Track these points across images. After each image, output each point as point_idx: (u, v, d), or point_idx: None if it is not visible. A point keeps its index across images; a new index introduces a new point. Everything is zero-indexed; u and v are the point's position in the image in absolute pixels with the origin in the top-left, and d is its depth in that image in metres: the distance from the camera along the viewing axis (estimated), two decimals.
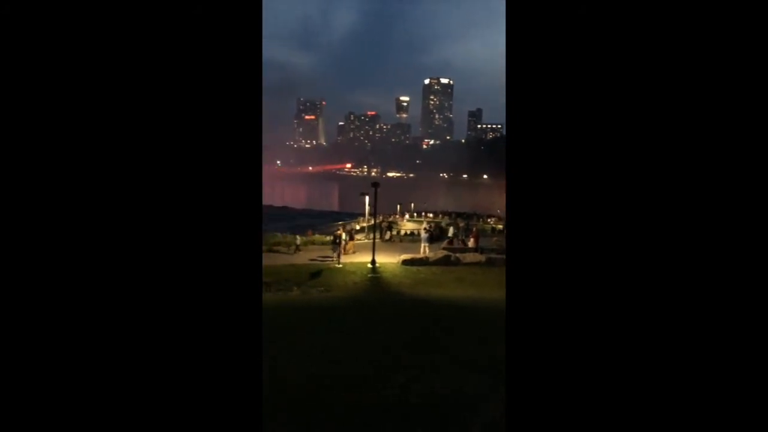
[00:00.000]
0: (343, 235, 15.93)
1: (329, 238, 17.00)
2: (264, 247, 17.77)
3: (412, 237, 21.87)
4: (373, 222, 17.77)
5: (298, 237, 18.60)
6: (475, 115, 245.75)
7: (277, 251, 17.07)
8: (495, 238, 20.95)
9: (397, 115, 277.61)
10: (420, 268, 14.21)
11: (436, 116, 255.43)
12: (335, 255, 14.80)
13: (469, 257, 15.18)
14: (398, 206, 39.73)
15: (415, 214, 42.23)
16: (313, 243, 18.28)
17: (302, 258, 15.73)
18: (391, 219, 30.46)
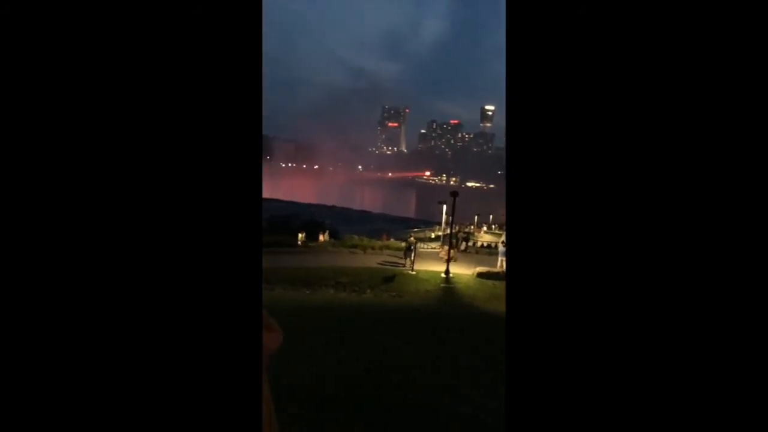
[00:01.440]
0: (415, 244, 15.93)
1: (403, 244, 17.08)
2: (343, 248, 18.30)
3: (489, 249, 21.30)
4: (449, 231, 17.57)
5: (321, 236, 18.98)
6: None
7: (354, 253, 17.47)
8: None
9: (481, 124, 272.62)
10: (495, 282, 13.78)
11: None
12: (407, 261, 14.83)
13: None
14: (476, 217, 38.89)
15: (493, 227, 41.13)
16: (388, 248, 18.47)
17: (370, 261, 15.94)
18: (467, 229, 29.93)
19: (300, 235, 19.62)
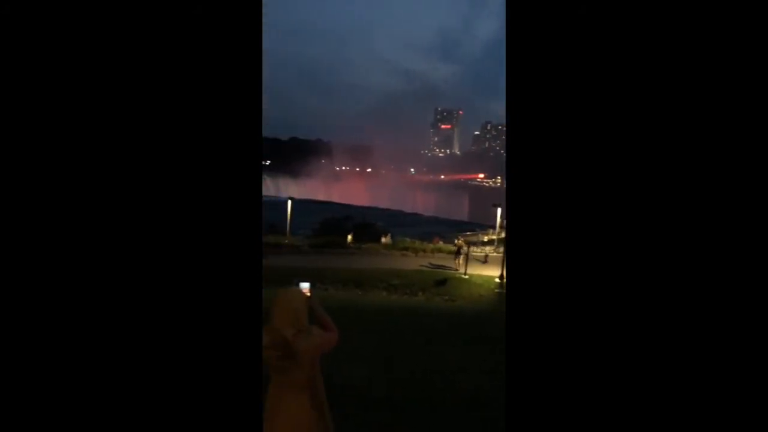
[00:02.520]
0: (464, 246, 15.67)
1: (454, 247, 16.87)
2: (395, 251, 18.35)
3: None
4: (504, 235, 17.15)
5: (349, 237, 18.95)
6: None
7: (406, 255, 17.45)
8: None
9: None
10: None
11: None
12: (456, 263, 14.63)
13: None
14: None
15: None
16: (440, 251, 18.31)
17: (422, 263, 15.83)
18: None
19: (348, 237, 19.87)
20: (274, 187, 72.61)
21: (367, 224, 24.11)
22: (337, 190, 68.05)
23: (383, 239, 20.06)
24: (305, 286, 1.82)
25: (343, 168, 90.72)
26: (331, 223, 24.45)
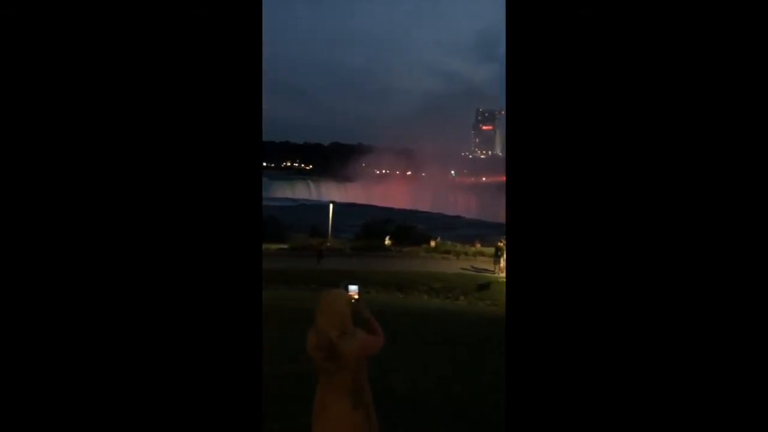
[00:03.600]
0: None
1: (496, 250, 16.55)
2: (435, 254, 18.24)
3: None
4: None
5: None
6: None
7: (446, 258, 17.29)
8: None
9: None
10: None
11: None
12: (496, 267, 14.35)
13: None
14: None
15: None
16: (482, 254, 18.03)
17: (463, 266, 15.62)
18: None
19: (386, 240, 19.91)
20: (316, 190, 73.79)
21: (408, 227, 24.08)
22: (378, 194, 68.40)
23: (432, 242, 19.93)
24: (354, 288, 1.84)
25: (384, 171, 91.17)
26: (372, 226, 24.59)
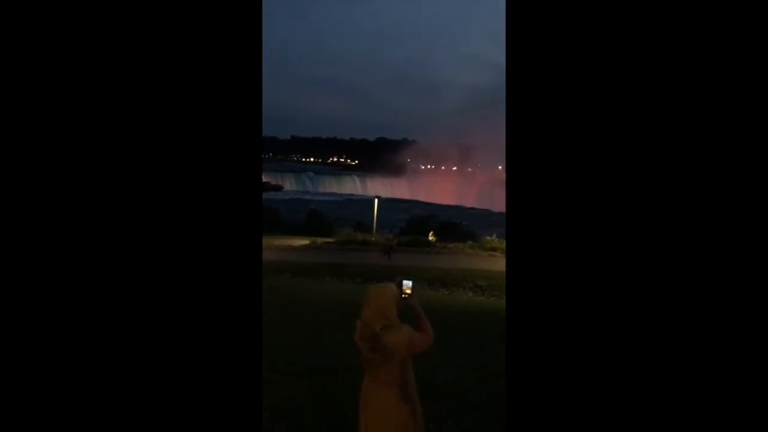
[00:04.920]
0: None
1: None
2: (481, 251, 17.98)
3: None
4: None
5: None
6: None
7: (493, 256, 17.00)
8: None
9: None
10: None
11: None
12: None
13: None
14: None
15: None
16: None
17: (500, 264, 15.26)
18: None
19: (431, 236, 19.79)
20: (361, 186, 74.43)
21: (453, 223, 23.87)
22: (423, 189, 68.15)
23: (492, 240, 19.59)
24: (408, 284, 1.84)
25: (430, 166, 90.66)
26: (417, 222, 24.56)
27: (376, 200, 22.91)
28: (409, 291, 1.82)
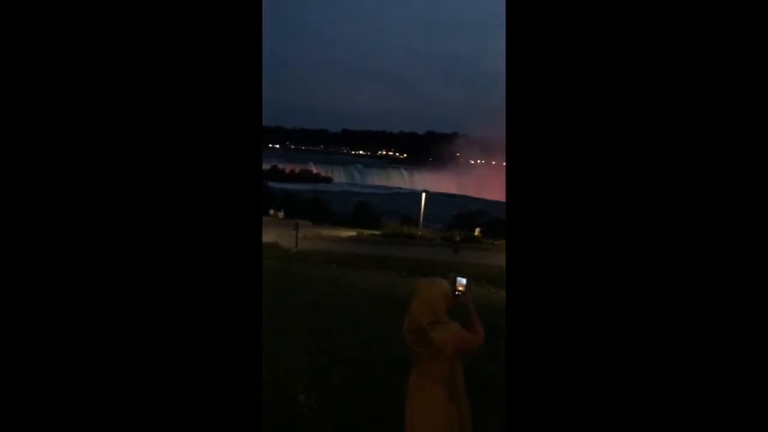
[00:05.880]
0: None
1: None
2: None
3: None
4: None
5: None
6: None
7: None
8: None
9: None
10: None
11: None
12: None
13: None
14: None
15: None
16: None
17: None
18: None
19: (476, 231, 19.49)
20: (409, 179, 74.41)
21: (501, 220, 23.35)
22: (472, 184, 67.14)
23: None
24: (462, 281, 1.79)
25: (479, 161, 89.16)
26: (464, 217, 24.26)
27: (423, 194, 22.80)
28: (462, 288, 1.77)
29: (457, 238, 17.39)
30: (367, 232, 20.59)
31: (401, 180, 74.76)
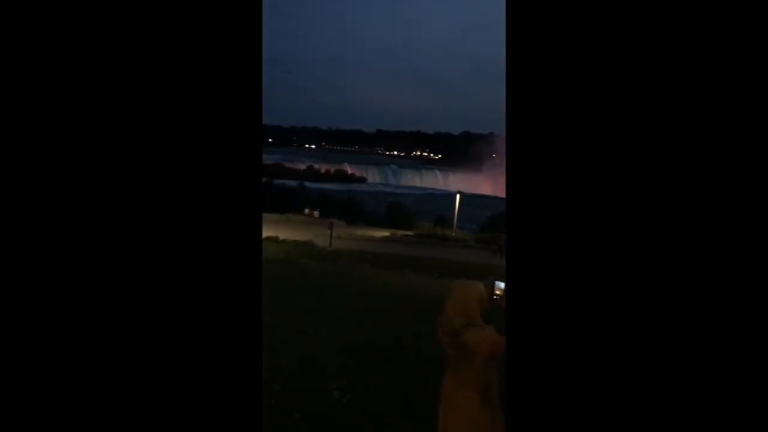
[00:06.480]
0: None
1: None
2: None
3: None
4: None
5: None
6: None
7: None
8: None
9: None
10: None
11: None
12: None
13: None
14: None
15: None
16: None
17: None
18: None
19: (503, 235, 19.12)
20: (443, 180, 73.85)
21: None
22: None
23: None
24: (501, 285, 1.77)
25: None
26: (499, 219, 23.87)
27: (458, 195, 22.60)
28: (500, 292, 1.75)
29: (501, 241, 17.15)
30: (400, 232, 20.59)
31: (435, 181, 74.29)
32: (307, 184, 38.18)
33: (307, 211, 24.07)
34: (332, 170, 66.66)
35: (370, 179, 70.89)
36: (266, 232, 16.74)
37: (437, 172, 79.38)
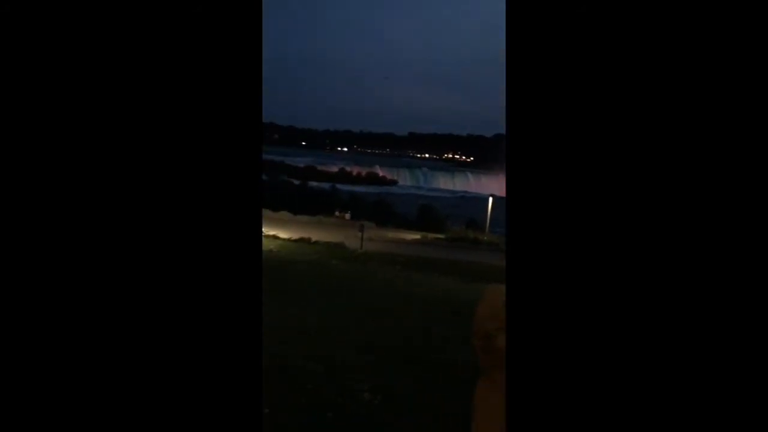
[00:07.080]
0: None
1: None
2: None
3: None
4: None
5: None
6: None
7: None
8: None
9: None
10: None
11: None
12: None
13: None
14: None
15: None
16: None
17: None
18: None
19: None
20: (476, 183, 73.16)
21: None
22: None
23: None
24: None
25: None
26: None
27: (490, 198, 22.34)
28: None
29: None
30: (431, 235, 20.51)
31: (467, 183, 73.67)
32: (339, 186, 38.53)
33: (338, 213, 24.31)
34: (364, 173, 67.08)
35: (401, 182, 70.94)
36: (299, 234, 17.03)
37: (469, 174, 78.71)
